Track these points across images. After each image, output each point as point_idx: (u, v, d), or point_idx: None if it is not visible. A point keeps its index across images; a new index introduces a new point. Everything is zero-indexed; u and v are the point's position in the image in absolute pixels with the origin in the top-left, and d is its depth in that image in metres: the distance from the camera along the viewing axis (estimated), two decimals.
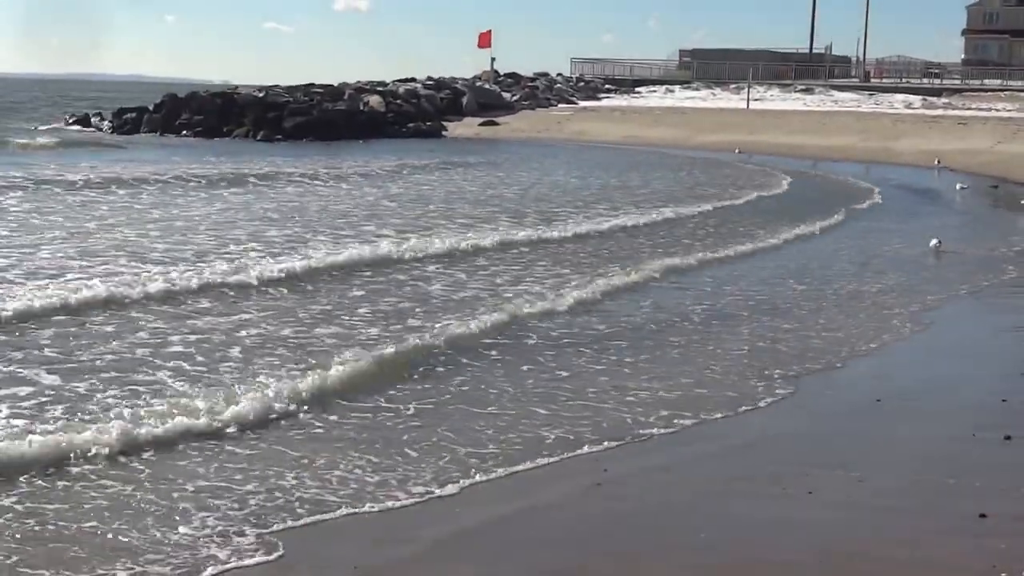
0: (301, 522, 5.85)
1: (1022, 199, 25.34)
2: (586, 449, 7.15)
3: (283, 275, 12.33)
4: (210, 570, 5.28)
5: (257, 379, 8.14)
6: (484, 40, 63.17)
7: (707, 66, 72.52)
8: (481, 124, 52.08)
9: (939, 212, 23.24)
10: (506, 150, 40.16)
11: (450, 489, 6.37)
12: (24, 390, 7.75)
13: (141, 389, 7.89)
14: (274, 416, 7.41)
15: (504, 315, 10.63)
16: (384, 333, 9.92)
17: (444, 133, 49.99)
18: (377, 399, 8.00)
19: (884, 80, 69.90)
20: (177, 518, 5.81)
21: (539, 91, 61.75)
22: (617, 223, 18.69)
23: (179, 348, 9.12)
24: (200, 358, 8.83)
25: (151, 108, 49.11)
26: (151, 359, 8.74)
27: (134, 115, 48.52)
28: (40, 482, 6.18)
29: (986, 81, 65.26)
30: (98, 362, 8.57)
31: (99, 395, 7.72)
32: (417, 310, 11.04)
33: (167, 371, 8.41)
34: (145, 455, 6.64)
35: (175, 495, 6.11)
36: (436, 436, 7.25)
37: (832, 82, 67.92)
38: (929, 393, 9.07)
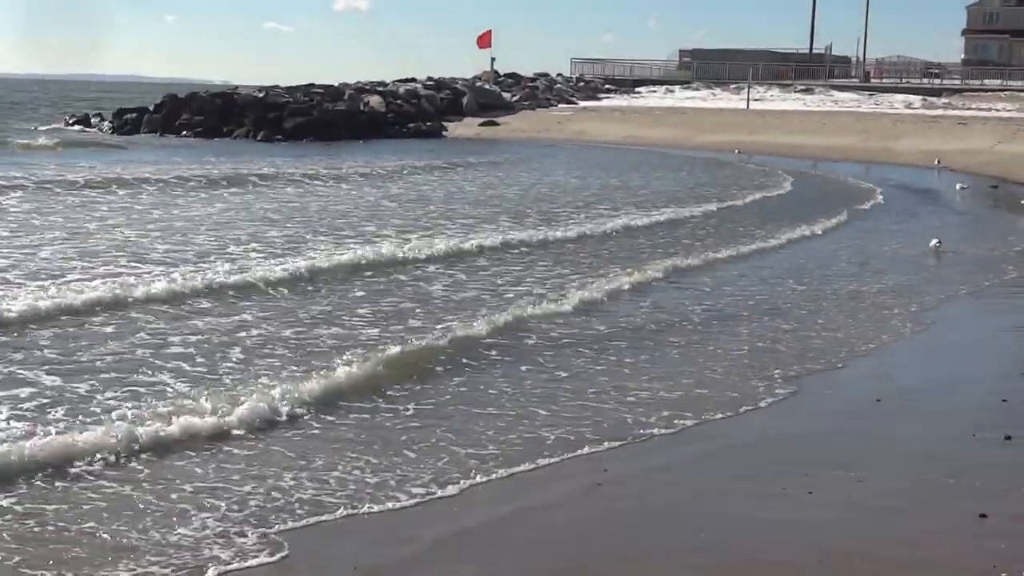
0: (302, 523, 5.85)
1: (1022, 199, 25.34)
2: (586, 449, 7.16)
3: (285, 275, 12.31)
4: (212, 571, 5.28)
5: (258, 381, 8.15)
6: (484, 40, 63.17)
7: (707, 66, 72.53)
8: (481, 124, 52.08)
9: (939, 212, 23.23)
10: (506, 150, 40.15)
11: (450, 490, 6.38)
12: (24, 391, 7.75)
13: (142, 390, 7.90)
14: (275, 418, 7.39)
15: (509, 316, 10.61)
16: (384, 334, 9.92)
17: (444, 133, 50.00)
18: (376, 400, 8.00)
19: (884, 80, 69.89)
20: (177, 519, 5.81)
21: (539, 91, 61.74)
22: (620, 223, 18.67)
23: (179, 349, 9.13)
24: (200, 359, 8.83)
25: (151, 108, 49.12)
26: (151, 360, 8.74)
27: (134, 115, 48.51)
28: (40, 484, 6.18)
29: (986, 81, 65.25)
30: (98, 363, 8.58)
31: (99, 396, 7.73)
32: (418, 311, 11.05)
33: (167, 372, 8.41)
34: (145, 457, 6.64)
35: (174, 496, 6.11)
36: (435, 437, 7.26)
37: (832, 82, 67.91)
38: (929, 393, 9.07)
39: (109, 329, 9.71)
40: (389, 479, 6.48)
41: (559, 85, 65.51)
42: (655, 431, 7.59)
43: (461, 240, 15.66)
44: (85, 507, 5.92)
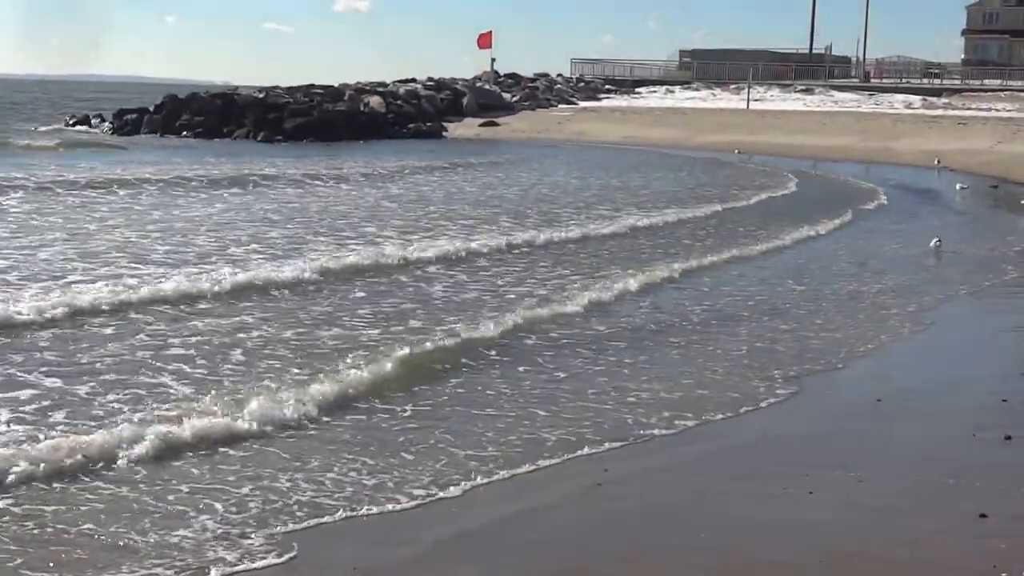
0: (303, 525, 5.85)
1: (1022, 199, 25.35)
2: (587, 450, 7.15)
3: (287, 276, 12.30)
4: (215, 572, 5.29)
5: (260, 383, 8.13)
6: (484, 41, 63.21)
7: (707, 66, 72.57)
8: (481, 125, 52.10)
9: (939, 212, 23.24)
10: (506, 151, 40.16)
11: (452, 491, 6.38)
12: (25, 393, 7.75)
13: (142, 392, 7.90)
14: (277, 421, 7.36)
15: (519, 318, 10.59)
16: (386, 336, 9.92)
17: (444, 134, 50.02)
18: (372, 401, 7.99)
19: (884, 80, 69.91)
20: (178, 520, 5.81)
21: (539, 92, 61.77)
22: (626, 223, 18.66)
23: (180, 351, 9.12)
24: (201, 361, 8.82)
25: (151, 109, 49.13)
26: (152, 362, 8.73)
27: (134, 116, 48.54)
28: (40, 485, 6.17)
29: (986, 81, 65.27)
30: (99, 365, 8.57)
31: (100, 398, 7.72)
32: (419, 311, 11.05)
33: (168, 374, 8.41)
34: (145, 458, 6.62)
35: (171, 497, 6.11)
36: (434, 438, 7.25)
37: (832, 82, 67.94)
38: (929, 393, 9.08)
39: (109, 331, 9.71)
40: (389, 480, 6.48)
41: (559, 85, 65.55)
42: (655, 431, 7.59)
43: (461, 241, 15.66)
44: (83, 508, 5.91)
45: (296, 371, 8.57)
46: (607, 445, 7.26)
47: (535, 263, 14.42)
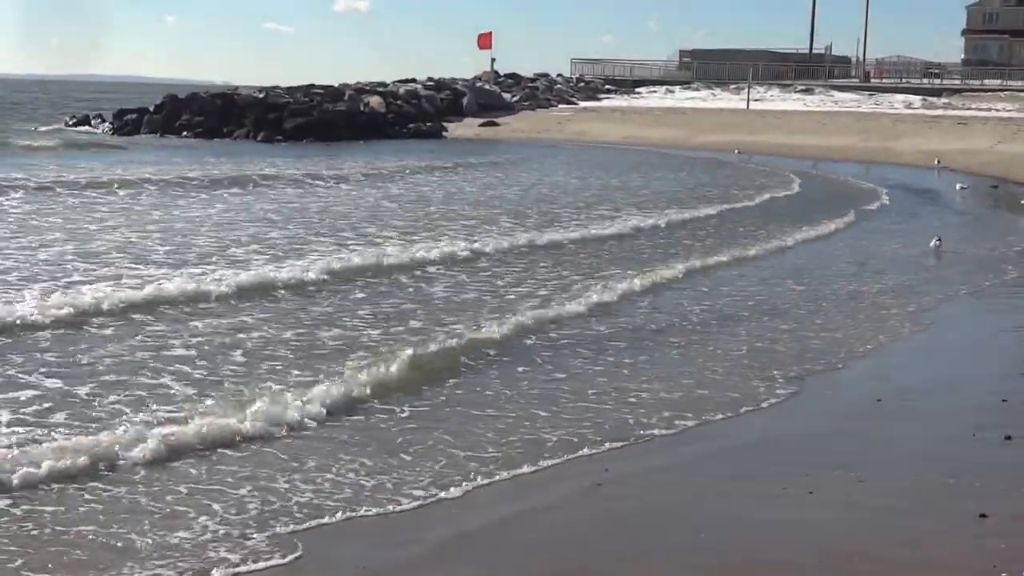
0: (304, 526, 5.85)
1: (1022, 199, 25.36)
2: (587, 451, 7.16)
3: (289, 277, 12.30)
4: (217, 573, 5.29)
5: (262, 385, 8.14)
6: (484, 41, 63.23)
7: (707, 66, 72.56)
8: (481, 125, 52.11)
9: (939, 212, 23.24)
10: (506, 151, 40.17)
11: (452, 492, 6.38)
12: (25, 394, 7.75)
13: (143, 394, 7.90)
14: (280, 423, 7.35)
15: (526, 319, 10.59)
16: (387, 337, 9.92)
17: (444, 134, 50.03)
18: (374, 402, 7.99)
19: (884, 80, 69.91)
20: (179, 522, 5.82)
21: (539, 92, 61.77)
22: (632, 224, 18.65)
23: (181, 351, 9.12)
24: (202, 362, 8.82)
25: (151, 109, 49.14)
26: (152, 363, 8.73)
27: (135, 116, 48.55)
28: (42, 487, 6.18)
29: (986, 81, 65.27)
30: (99, 366, 8.58)
31: (100, 399, 7.73)
32: (419, 312, 11.06)
33: (168, 375, 8.41)
34: (146, 460, 6.61)
35: (169, 498, 6.11)
36: (433, 439, 7.26)
37: (832, 82, 67.94)
38: (929, 393, 9.08)
39: (109, 331, 9.71)
40: (387, 482, 6.48)
41: (559, 85, 65.56)
42: (656, 432, 7.59)
43: (462, 241, 15.67)
44: (82, 510, 5.92)
45: (297, 372, 8.58)
46: (607, 445, 7.27)
47: (535, 263, 14.42)
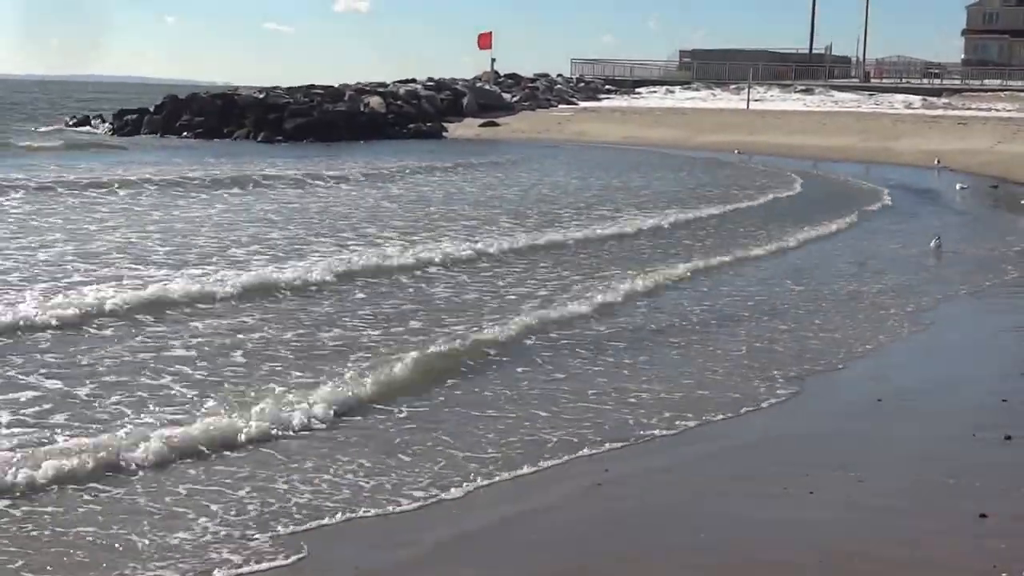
0: (304, 527, 5.85)
1: (1022, 199, 25.36)
2: (587, 451, 7.16)
3: (290, 278, 12.30)
4: (219, 573, 5.30)
5: (260, 386, 8.14)
6: (484, 41, 63.26)
7: (707, 67, 72.58)
8: (481, 125, 52.11)
9: (939, 212, 23.25)
10: (507, 151, 40.17)
11: (452, 492, 6.38)
12: (25, 395, 7.75)
13: (144, 395, 7.90)
14: (281, 424, 7.35)
15: (532, 320, 10.58)
16: (387, 337, 9.93)
17: (445, 134, 50.04)
18: (375, 403, 7.98)
19: (884, 80, 69.92)
20: (180, 523, 5.82)
21: (539, 92, 61.78)
22: (633, 224, 18.65)
23: (181, 352, 9.12)
24: (202, 363, 8.82)
25: (152, 109, 49.18)
26: (153, 364, 8.73)
27: (135, 116, 48.58)
28: (43, 488, 6.17)
29: (986, 81, 65.27)
30: (99, 367, 8.58)
31: (101, 401, 7.73)
32: (420, 313, 11.06)
33: (169, 376, 8.41)
34: (146, 461, 6.61)
35: (168, 499, 6.11)
36: (433, 440, 7.26)
37: (832, 82, 67.95)
38: (929, 393, 9.08)
39: (109, 332, 9.71)
40: (386, 483, 6.48)
41: (559, 86, 65.57)
42: (656, 432, 7.60)
43: (462, 241, 15.67)
44: (81, 511, 5.92)
45: (297, 373, 8.58)
46: (607, 446, 7.27)
47: (535, 264, 14.42)
